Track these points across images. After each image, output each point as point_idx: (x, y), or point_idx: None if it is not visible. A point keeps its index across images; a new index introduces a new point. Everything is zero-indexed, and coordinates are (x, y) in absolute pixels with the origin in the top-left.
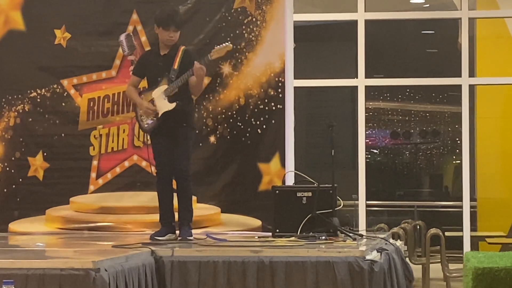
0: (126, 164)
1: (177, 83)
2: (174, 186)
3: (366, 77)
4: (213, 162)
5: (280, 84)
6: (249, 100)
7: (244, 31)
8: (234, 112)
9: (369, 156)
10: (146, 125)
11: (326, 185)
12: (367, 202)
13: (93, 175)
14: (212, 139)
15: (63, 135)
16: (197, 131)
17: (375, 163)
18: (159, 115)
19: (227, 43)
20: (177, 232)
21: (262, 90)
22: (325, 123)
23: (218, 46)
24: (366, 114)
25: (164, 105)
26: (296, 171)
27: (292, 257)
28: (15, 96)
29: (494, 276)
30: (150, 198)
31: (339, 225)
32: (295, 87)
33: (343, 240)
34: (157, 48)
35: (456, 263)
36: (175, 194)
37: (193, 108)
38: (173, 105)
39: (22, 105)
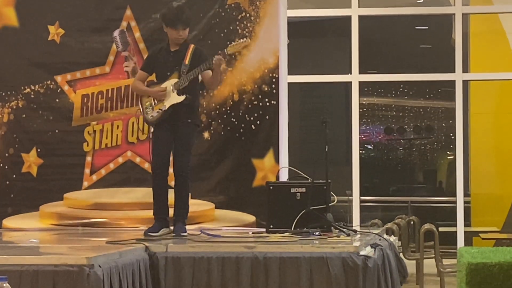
0: (120, 160)
1: (189, 76)
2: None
3: (360, 73)
4: (207, 158)
5: (274, 80)
6: (243, 96)
7: (237, 27)
8: (228, 108)
9: (363, 151)
10: (151, 117)
11: (320, 180)
12: (361, 197)
13: (87, 171)
14: (206, 135)
15: (57, 131)
16: (199, 129)
17: (369, 158)
18: (167, 107)
19: (245, 39)
20: (171, 227)
21: (256, 86)
22: (319, 119)
23: (234, 42)
24: (360, 110)
25: (173, 98)
26: (290, 167)
27: (286, 253)
28: (9, 92)
29: (487, 272)
30: (144, 194)
31: (333, 220)
32: (289, 83)
33: (337, 236)
34: (167, 45)
35: (450, 259)
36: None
37: (199, 105)
38: (183, 97)
39: (16, 101)
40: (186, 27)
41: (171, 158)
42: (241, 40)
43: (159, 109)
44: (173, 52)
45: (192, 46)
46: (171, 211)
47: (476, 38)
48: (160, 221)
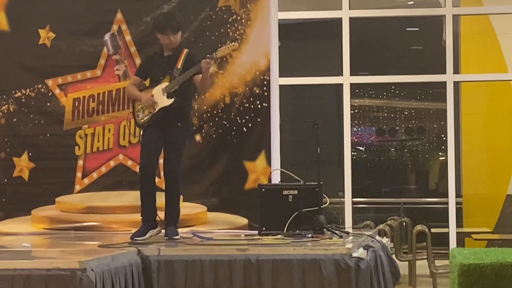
0: (112, 163)
1: (180, 80)
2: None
3: (351, 75)
4: (199, 161)
5: (265, 82)
6: (235, 99)
7: (229, 30)
8: (220, 111)
9: (355, 153)
10: (141, 120)
11: (312, 182)
12: (353, 199)
13: (79, 174)
14: (198, 137)
15: (48, 135)
16: (191, 133)
17: (361, 160)
18: (156, 110)
19: (233, 43)
20: (163, 231)
21: (247, 89)
22: (310, 121)
23: (224, 46)
24: (352, 112)
25: (162, 101)
26: (282, 169)
27: (278, 255)
28: (0, 97)
29: (480, 272)
30: (136, 197)
31: (326, 222)
32: (280, 85)
33: (330, 238)
34: (161, 50)
35: (442, 260)
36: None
37: (191, 110)
38: (171, 101)
39: (7, 105)
40: (176, 32)
41: (161, 161)
42: (230, 44)
43: (149, 112)
44: (166, 57)
45: (185, 50)
46: (160, 214)
47: (466, 39)
48: (148, 223)
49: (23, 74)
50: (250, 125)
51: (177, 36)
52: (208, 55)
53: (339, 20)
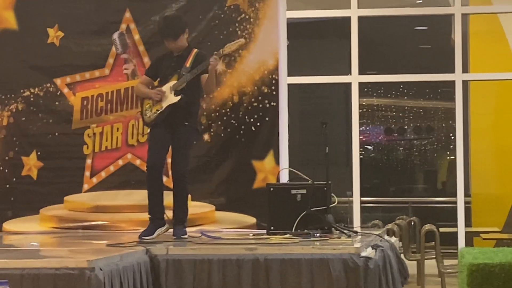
0: (120, 162)
1: (187, 77)
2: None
3: (359, 74)
4: (207, 160)
5: (273, 82)
6: (243, 98)
7: (237, 29)
8: (228, 110)
9: (363, 152)
10: (148, 118)
11: (321, 182)
12: (362, 198)
13: (87, 174)
14: (206, 137)
15: (56, 134)
16: (199, 132)
17: (369, 159)
18: (164, 108)
19: (240, 39)
20: (171, 230)
21: (255, 88)
22: (319, 120)
23: (230, 43)
24: (360, 111)
25: (170, 99)
26: (290, 168)
27: (287, 255)
28: (8, 96)
29: (489, 272)
30: (144, 196)
31: (334, 222)
32: (288, 84)
33: (338, 237)
34: (171, 50)
35: (451, 259)
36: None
37: (199, 109)
38: (178, 98)
39: (16, 104)
40: (176, 38)
41: (168, 160)
42: (237, 40)
43: (157, 110)
44: (175, 56)
45: (195, 50)
46: (168, 213)
47: (475, 38)
48: (155, 222)
49: (31, 73)
50: (258, 124)
51: (180, 40)
52: (216, 52)
53: (348, 19)
